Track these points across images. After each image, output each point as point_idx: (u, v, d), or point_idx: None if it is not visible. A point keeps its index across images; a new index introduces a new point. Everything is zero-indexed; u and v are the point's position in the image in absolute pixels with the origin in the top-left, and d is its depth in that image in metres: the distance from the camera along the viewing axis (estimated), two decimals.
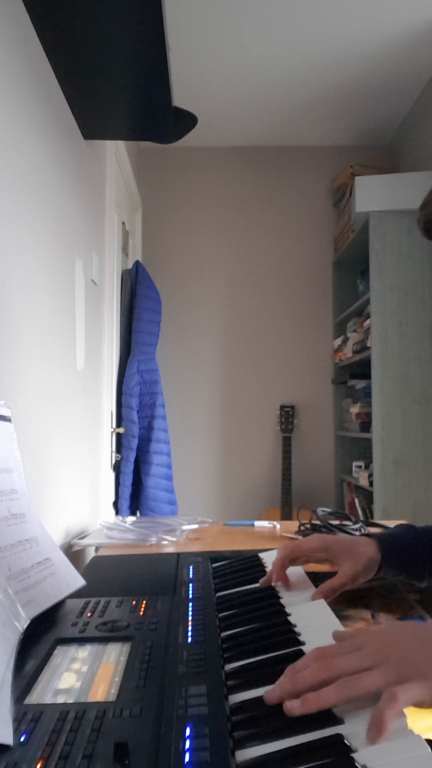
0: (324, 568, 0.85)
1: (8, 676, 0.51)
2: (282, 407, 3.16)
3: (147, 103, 1.40)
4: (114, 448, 2.24)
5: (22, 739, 0.44)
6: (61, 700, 0.51)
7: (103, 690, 0.52)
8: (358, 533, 1.25)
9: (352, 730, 0.43)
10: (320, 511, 1.32)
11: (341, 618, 0.67)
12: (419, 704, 0.45)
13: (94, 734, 0.44)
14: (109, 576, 0.93)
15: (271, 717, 0.47)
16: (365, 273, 2.83)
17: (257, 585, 0.82)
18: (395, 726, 0.42)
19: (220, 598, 0.78)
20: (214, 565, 0.96)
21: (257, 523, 1.46)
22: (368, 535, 0.84)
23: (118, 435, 2.32)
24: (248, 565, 0.92)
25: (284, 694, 0.47)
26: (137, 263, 2.56)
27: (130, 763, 0.41)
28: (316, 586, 0.81)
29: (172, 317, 3.19)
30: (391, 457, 2.49)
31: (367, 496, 2.72)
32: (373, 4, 2.17)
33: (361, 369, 2.85)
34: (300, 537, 1.29)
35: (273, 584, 0.78)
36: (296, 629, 0.64)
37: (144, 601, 0.74)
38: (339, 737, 0.42)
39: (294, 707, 0.45)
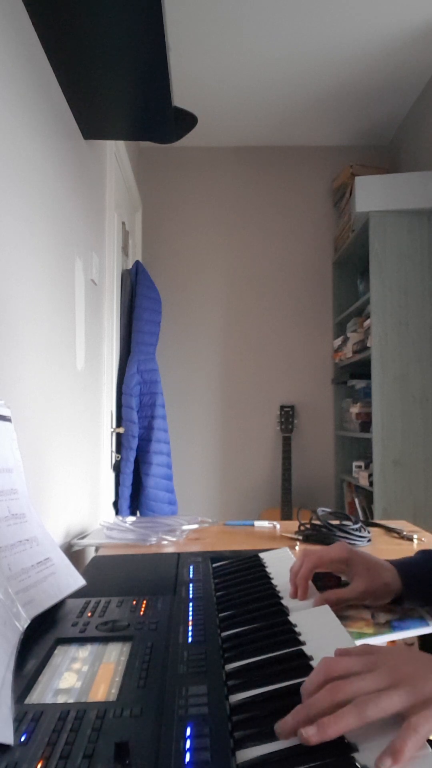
0: (337, 568, 0.85)
1: (8, 676, 0.51)
2: (282, 407, 3.16)
3: (147, 103, 1.40)
4: (114, 448, 2.24)
5: (22, 739, 0.44)
6: (61, 700, 0.51)
7: (104, 690, 0.52)
8: (358, 533, 1.25)
9: (353, 730, 0.43)
10: (320, 511, 1.32)
11: (341, 618, 0.67)
12: None
13: (94, 734, 0.44)
14: (109, 576, 0.93)
15: (272, 717, 0.47)
16: (365, 273, 2.83)
17: (257, 585, 0.82)
18: (417, 757, 0.40)
19: (220, 598, 0.78)
20: (214, 565, 0.96)
21: (257, 523, 1.46)
22: (390, 561, 0.82)
23: (118, 435, 2.32)
24: (248, 565, 0.92)
25: (299, 724, 0.44)
26: (137, 263, 2.56)
27: (131, 763, 0.41)
28: (316, 585, 0.81)
29: (172, 317, 3.19)
30: (391, 457, 2.49)
31: (367, 496, 2.72)
32: (373, 4, 2.17)
33: (361, 369, 2.85)
34: (300, 537, 1.29)
35: (297, 598, 0.76)
36: (296, 629, 0.64)
37: (144, 601, 0.74)
38: (340, 737, 0.42)
39: (310, 735, 0.42)
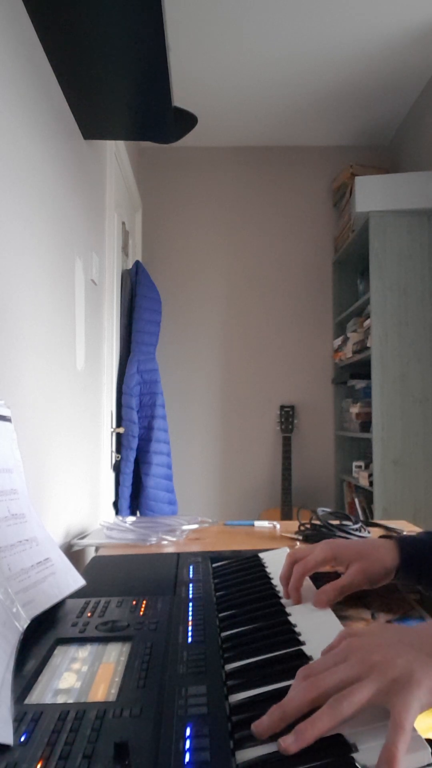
0: (327, 567, 0.85)
1: (8, 676, 0.51)
2: (282, 407, 3.16)
3: (147, 103, 1.40)
4: (114, 448, 2.24)
5: (22, 739, 0.44)
6: (61, 700, 0.51)
7: (103, 690, 0.52)
8: (358, 533, 1.25)
9: (352, 730, 0.43)
10: (320, 511, 1.32)
11: (341, 618, 0.67)
12: (423, 710, 0.43)
13: (94, 734, 0.44)
14: (109, 576, 0.93)
15: None
16: (365, 273, 2.83)
17: (257, 585, 0.81)
18: (413, 750, 0.40)
19: (220, 598, 0.78)
20: (214, 565, 0.96)
21: (257, 523, 1.46)
22: (389, 537, 0.80)
23: (118, 435, 2.32)
24: (248, 565, 0.92)
25: (274, 723, 0.44)
26: (137, 263, 2.56)
27: (130, 763, 0.41)
28: (316, 585, 0.81)
29: (172, 317, 3.19)
30: (391, 457, 2.49)
31: (367, 496, 2.72)
32: (373, 4, 2.17)
33: (361, 369, 2.85)
34: (300, 538, 1.29)
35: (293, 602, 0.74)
36: (296, 629, 0.64)
37: (144, 601, 0.74)
38: (339, 737, 0.42)
39: (289, 745, 0.41)
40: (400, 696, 0.42)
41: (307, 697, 0.45)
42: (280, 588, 0.80)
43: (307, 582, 0.78)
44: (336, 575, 0.86)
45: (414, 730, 0.42)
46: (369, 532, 1.29)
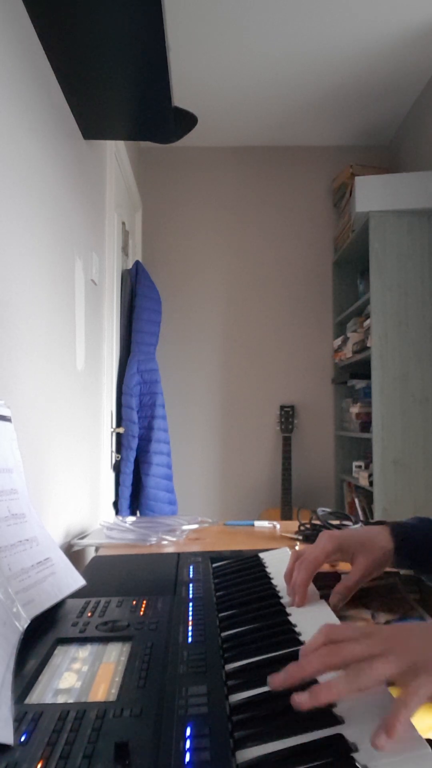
0: (325, 567, 0.85)
1: (8, 676, 0.51)
2: (282, 407, 3.16)
3: (147, 103, 1.40)
4: (114, 448, 2.24)
5: (22, 739, 0.44)
6: (61, 700, 0.51)
7: (104, 690, 0.52)
8: None
9: (353, 729, 0.43)
10: (320, 511, 1.32)
11: (341, 618, 0.67)
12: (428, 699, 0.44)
13: (94, 734, 0.44)
14: (109, 576, 0.93)
15: (272, 717, 0.47)
16: (365, 273, 2.83)
17: (257, 585, 0.81)
18: (405, 736, 0.41)
19: (220, 598, 0.78)
20: (214, 565, 0.96)
21: (257, 523, 1.46)
22: (383, 522, 0.81)
23: (118, 435, 2.32)
24: (248, 565, 0.92)
25: (290, 680, 0.46)
26: (137, 263, 2.56)
27: (131, 763, 0.41)
28: (316, 585, 0.81)
29: (172, 317, 3.19)
30: (391, 457, 2.49)
31: (367, 496, 2.72)
32: (373, 4, 2.17)
33: (361, 369, 2.85)
34: (300, 538, 1.29)
35: (295, 606, 0.73)
36: (296, 629, 0.64)
37: (144, 601, 0.74)
38: (340, 737, 0.42)
39: (302, 702, 0.44)
40: (416, 679, 0.43)
41: (326, 662, 0.46)
42: (280, 588, 0.80)
43: (311, 586, 0.78)
44: (336, 578, 0.86)
45: (414, 729, 0.42)
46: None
